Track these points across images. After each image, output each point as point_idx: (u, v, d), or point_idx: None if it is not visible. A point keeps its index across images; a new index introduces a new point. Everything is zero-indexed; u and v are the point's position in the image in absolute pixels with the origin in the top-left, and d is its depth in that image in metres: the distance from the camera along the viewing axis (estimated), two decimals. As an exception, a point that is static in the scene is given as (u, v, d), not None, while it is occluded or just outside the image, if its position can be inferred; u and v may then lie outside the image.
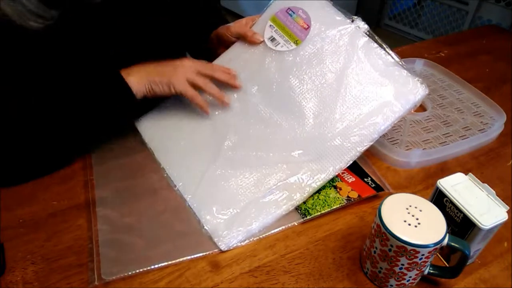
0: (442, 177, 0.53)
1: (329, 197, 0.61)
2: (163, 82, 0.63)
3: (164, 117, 0.71)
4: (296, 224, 0.58)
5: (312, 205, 0.60)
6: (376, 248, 0.48)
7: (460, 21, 2.41)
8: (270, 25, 0.70)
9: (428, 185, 0.66)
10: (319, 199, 0.60)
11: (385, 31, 2.77)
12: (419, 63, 0.95)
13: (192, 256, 0.53)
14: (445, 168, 0.70)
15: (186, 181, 0.61)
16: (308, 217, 0.58)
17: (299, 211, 0.59)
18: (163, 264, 0.51)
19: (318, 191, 0.61)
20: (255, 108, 0.68)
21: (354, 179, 0.64)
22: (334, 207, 0.59)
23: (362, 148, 0.61)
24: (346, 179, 0.64)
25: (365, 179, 0.64)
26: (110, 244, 0.53)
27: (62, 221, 0.56)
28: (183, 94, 0.64)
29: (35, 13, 0.52)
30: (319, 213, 0.59)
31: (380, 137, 0.73)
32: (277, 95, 0.67)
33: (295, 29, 0.69)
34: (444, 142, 0.74)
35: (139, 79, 0.62)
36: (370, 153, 0.71)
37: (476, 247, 0.52)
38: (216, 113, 0.69)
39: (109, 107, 0.61)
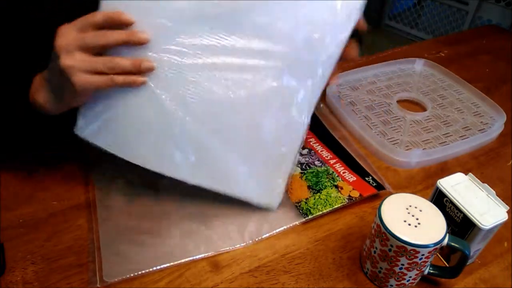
0: (442, 177, 0.53)
1: (330, 196, 0.61)
2: (67, 96, 0.48)
3: (109, 115, 0.52)
4: (298, 223, 0.58)
5: (314, 205, 0.59)
6: (376, 248, 0.48)
7: (460, 21, 2.41)
8: None
9: (428, 185, 0.66)
10: (321, 199, 0.60)
11: (385, 31, 2.78)
12: (419, 63, 0.95)
13: (195, 257, 0.53)
14: (445, 168, 0.70)
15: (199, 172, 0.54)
16: (309, 217, 0.58)
17: (300, 211, 0.59)
18: (164, 266, 0.51)
19: (319, 190, 0.61)
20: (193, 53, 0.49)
21: (355, 178, 0.64)
22: (336, 206, 0.59)
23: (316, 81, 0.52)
24: (347, 178, 0.64)
25: (366, 178, 0.64)
26: (112, 245, 0.53)
27: (62, 221, 0.56)
28: (96, 89, 0.47)
29: None
30: (320, 212, 0.59)
31: (380, 137, 0.73)
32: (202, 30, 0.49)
33: None
34: (444, 142, 0.74)
35: (47, 99, 0.50)
36: (370, 153, 0.71)
37: (476, 247, 0.51)
38: (151, 84, 0.50)
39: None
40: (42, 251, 0.53)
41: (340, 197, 0.61)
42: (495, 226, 0.49)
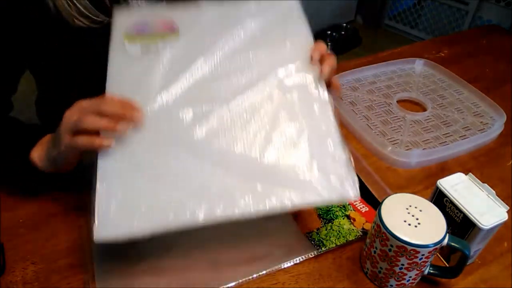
0: (442, 177, 0.53)
1: (343, 228, 0.57)
2: (60, 154, 0.50)
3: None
4: (311, 256, 0.54)
5: (326, 236, 0.56)
6: (376, 248, 0.48)
7: (460, 21, 2.41)
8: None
9: (428, 185, 0.66)
10: (333, 230, 0.57)
11: (385, 31, 2.77)
12: (419, 63, 0.95)
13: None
14: (445, 168, 0.70)
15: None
16: (323, 249, 0.55)
17: (312, 242, 0.55)
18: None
19: (331, 220, 0.58)
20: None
21: (367, 209, 0.60)
22: (350, 239, 0.56)
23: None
24: (359, 208, 0.60)
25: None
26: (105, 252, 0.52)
27: (62, 221, 0.56)
28: (77, 149, 0.48)
29: (84, 14, 0.56)
30: (334, 245, 0.55)
31: (380, 137, 0.73)
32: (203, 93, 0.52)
33: (161, 28, 0.55)
34: (444, 142, 0.74)
35: (41, 158, 0.53)
36: (370, 153, 0.71)
37: (476, 247, 0.51)
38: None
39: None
40: (42, 251, 0.53)
41: (353, 229, 0.57)
42: (495, 226, 0.49)
